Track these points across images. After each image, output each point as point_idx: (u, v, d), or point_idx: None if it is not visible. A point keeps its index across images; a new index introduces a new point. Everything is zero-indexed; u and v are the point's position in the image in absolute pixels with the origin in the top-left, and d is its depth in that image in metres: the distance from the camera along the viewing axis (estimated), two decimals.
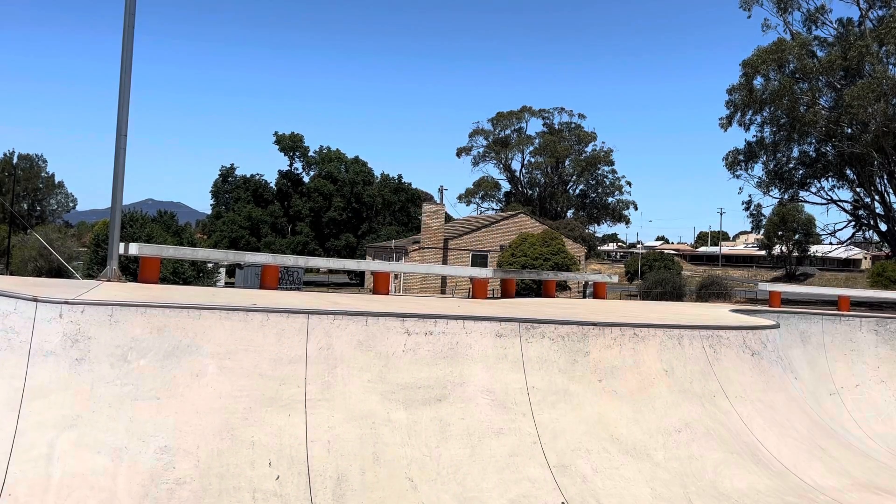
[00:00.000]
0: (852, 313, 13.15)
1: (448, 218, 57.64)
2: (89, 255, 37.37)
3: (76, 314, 5.82)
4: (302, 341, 6.37)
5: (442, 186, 68.34)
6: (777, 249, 76.13)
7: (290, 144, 71.49)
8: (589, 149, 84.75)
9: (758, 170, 51.72)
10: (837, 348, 11.27)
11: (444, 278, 44.02)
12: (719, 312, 11.52)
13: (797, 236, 74.47)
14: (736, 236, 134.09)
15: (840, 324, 11.59)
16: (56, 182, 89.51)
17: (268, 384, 6.04)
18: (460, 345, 6.89)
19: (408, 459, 5.95)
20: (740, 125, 49.67)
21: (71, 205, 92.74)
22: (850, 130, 45.07)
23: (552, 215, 78.97)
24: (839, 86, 44.78)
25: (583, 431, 6.65)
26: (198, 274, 35.92)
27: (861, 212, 51.27)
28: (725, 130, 50.45)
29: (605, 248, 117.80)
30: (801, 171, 51.55)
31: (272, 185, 70.76)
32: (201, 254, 22.02)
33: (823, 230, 60.52)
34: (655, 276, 46.24)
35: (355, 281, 60.93)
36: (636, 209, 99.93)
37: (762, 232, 69.15)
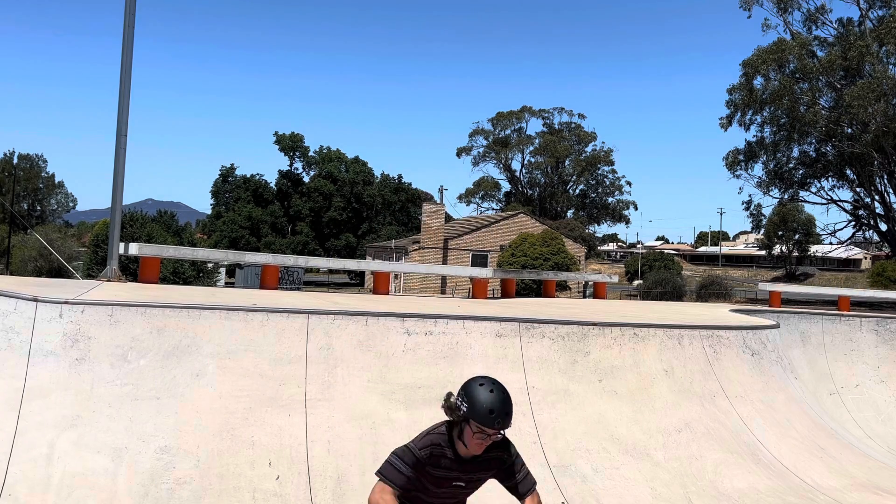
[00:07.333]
0: (852, 313, 13.14)
1: (448, 218, 57.61)
2: (89, 255, 37.35)
3: (76, 314, 5.82)
4: (302, 341, 6.37)
5: (442, 186, 68.50)
6: (777, 249, 76.15)
7: (290, 144, 71.49)
8: (589, 149, 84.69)
9: (758, 170, 51.73)
10: (837, 348, 11.27)
11: (444, 278, 44.01)
12: (719, 312, 11.51)
13: (797, 236, 74.47)
14: (736, 236, 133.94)
15: (840, 324, 11.59)
16: (56, 182, 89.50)
17: (268, 384, 6.03)
18: (460, 345, 6.89)
19: None
20: (740, 125, 49.66)
21: (71, 205, 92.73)
22: (850, 130, 45.04)
23: (552, 215, 78.91)
24: (839, 86, 44.75)
25: (583, 431, 6.64)
26: (198, 274, 35.91)
27: (861, 212, 51.23)
28: (725, 130, 50.45)
29: (605, 248, 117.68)
30: (801, 171, 51.49)
31: (272, 185, 70.73)
32: (201, 254, 22.05)
33: (823, 230, 60.50)
34: (655, 276, 46.24)
35: (355, 281, 60.92)
36: (636, 209, 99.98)
37: (762, 232, 69.12)
